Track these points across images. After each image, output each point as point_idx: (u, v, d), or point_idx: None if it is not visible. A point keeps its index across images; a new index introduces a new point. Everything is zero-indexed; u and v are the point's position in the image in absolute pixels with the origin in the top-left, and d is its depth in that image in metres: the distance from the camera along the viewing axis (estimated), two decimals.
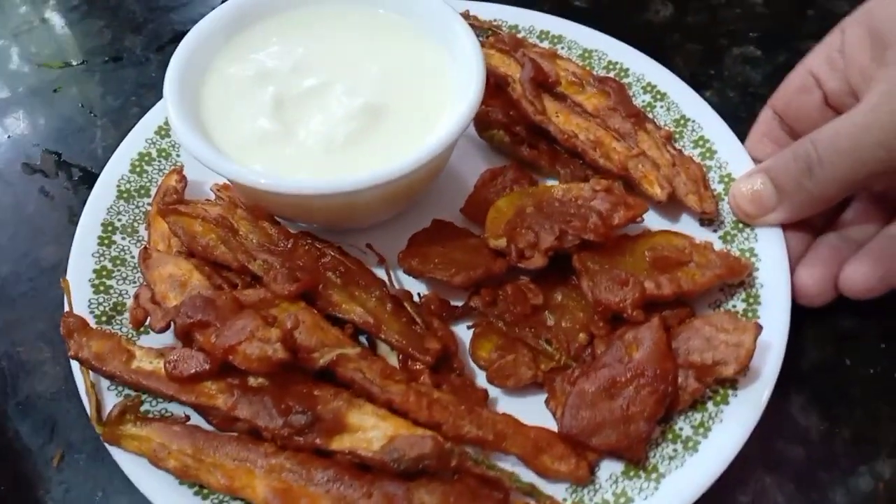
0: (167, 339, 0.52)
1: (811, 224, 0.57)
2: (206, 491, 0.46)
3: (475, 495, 0.44)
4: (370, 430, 0.46)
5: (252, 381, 0.48)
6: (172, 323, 0.50)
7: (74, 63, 0.76)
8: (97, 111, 0.71)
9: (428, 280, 0.57)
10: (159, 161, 0.63)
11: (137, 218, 0.59)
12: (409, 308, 0.54)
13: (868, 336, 0.57)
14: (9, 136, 0.70)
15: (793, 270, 0.54)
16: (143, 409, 0.49)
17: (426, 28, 0.60)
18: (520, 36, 0.70)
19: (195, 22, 0.59)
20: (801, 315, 0.54)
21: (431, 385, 0.50)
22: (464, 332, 0.55)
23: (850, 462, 0.51)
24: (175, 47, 0.57)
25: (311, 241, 0.56)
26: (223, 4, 0.60)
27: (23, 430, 0.53)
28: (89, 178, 0.66)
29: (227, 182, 0.60)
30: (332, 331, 0.51)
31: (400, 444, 0.45)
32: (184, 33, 0.58)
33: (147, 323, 0.51)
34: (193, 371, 0.47)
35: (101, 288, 0.55)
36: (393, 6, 0.61)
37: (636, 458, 0.47)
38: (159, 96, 0.65)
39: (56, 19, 0.80)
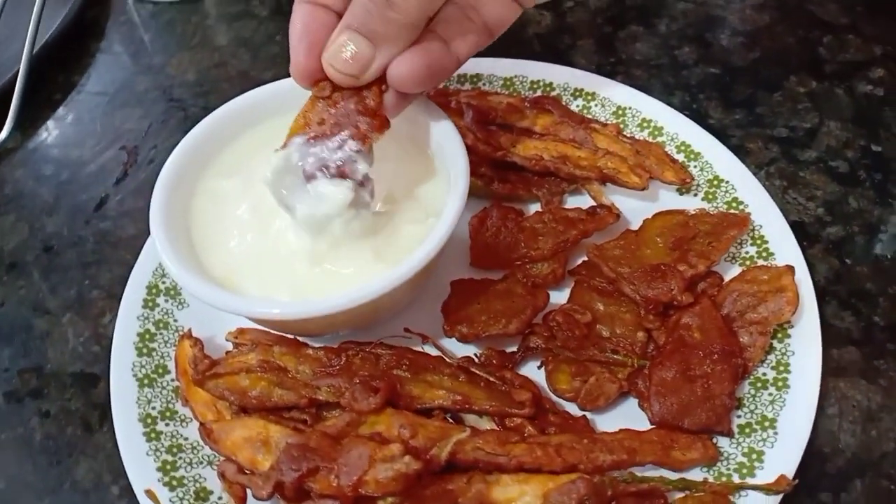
0: None
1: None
2: None
3: None
4: (520, 498, 0.47)
5: (382, 503, 0.47)
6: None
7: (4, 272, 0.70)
8: (54, 309, 0.67)
9: (483, 340, 0.58)
10: (161, 334, 0.60)
11: (170, 401, 0.56)
12: (480, 373, 0.55)
13: (853, 237, 0.64)
14: None
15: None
16: None
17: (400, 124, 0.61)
18: (441, 87, 0.73)
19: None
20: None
21: (538, 433, 0.52)
22: (528, 371, 0.57)
23: (893, 343, 0.58)
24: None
25: (358, 349, 0.56)
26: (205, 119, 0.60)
27: None
28: (88, 380, 0.62)
29: (240, 327, 0.59)
30: (432, 423, 0.51)
31: (555, 498, 0.46)
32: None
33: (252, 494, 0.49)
34: None
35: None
36: None
37: (726, 430, 0.51)
38: (112, 279, 0.66)
39: None
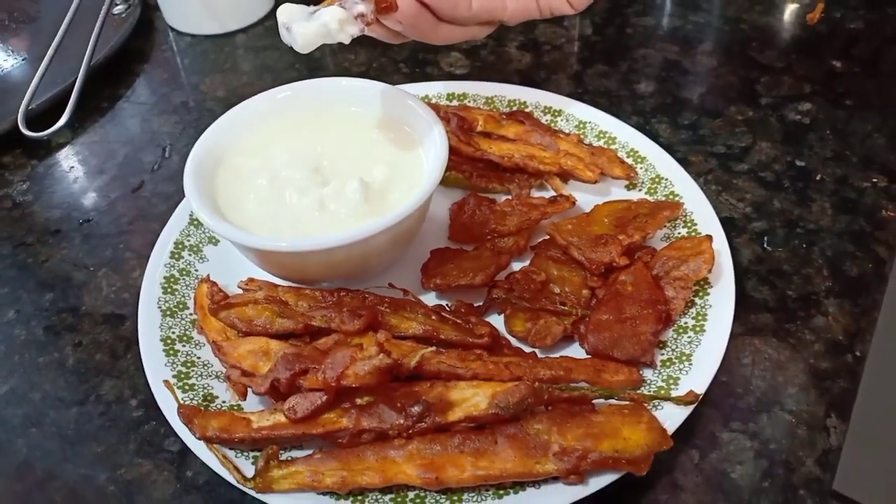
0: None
1: None
2: (360, 497, 0.54)
3: (570, 412, 0.55)
4: (472, 398, 0.56)
5: (359, 400, 0.57)
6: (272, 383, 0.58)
7: (49, 236, 0.82)
8: (92, 265, 0.78)
9: (452, 292, 0.68)
10: (184, 279, 0.71)
11: (188, 329, 0.67)
12: (448, 315, 0.65)
13: (775, 230, 0.75)
14: (17, 311, 0.74)
15: None
16: None
17: (393, 117, 0.74)
18: (433, 102, 0.86)
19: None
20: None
21: None
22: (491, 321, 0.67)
23: (803, 311, 0.68)
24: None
25: (348, 291, 0.66)
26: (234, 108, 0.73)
27: None
28: (117, 319, 0.72)
29: (250, 277, 0.70)
30: (405, 343, 0.61)
31: (501, 397, 0.55)
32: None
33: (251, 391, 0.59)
34: (314, 407, 0.56)
35: (186, 388, 0.62)
36: (359, 102, 0.75)
37: (649, 361, 0.61)
38: (143, 244, 0.77)
39: (9, 204, 0.86)
